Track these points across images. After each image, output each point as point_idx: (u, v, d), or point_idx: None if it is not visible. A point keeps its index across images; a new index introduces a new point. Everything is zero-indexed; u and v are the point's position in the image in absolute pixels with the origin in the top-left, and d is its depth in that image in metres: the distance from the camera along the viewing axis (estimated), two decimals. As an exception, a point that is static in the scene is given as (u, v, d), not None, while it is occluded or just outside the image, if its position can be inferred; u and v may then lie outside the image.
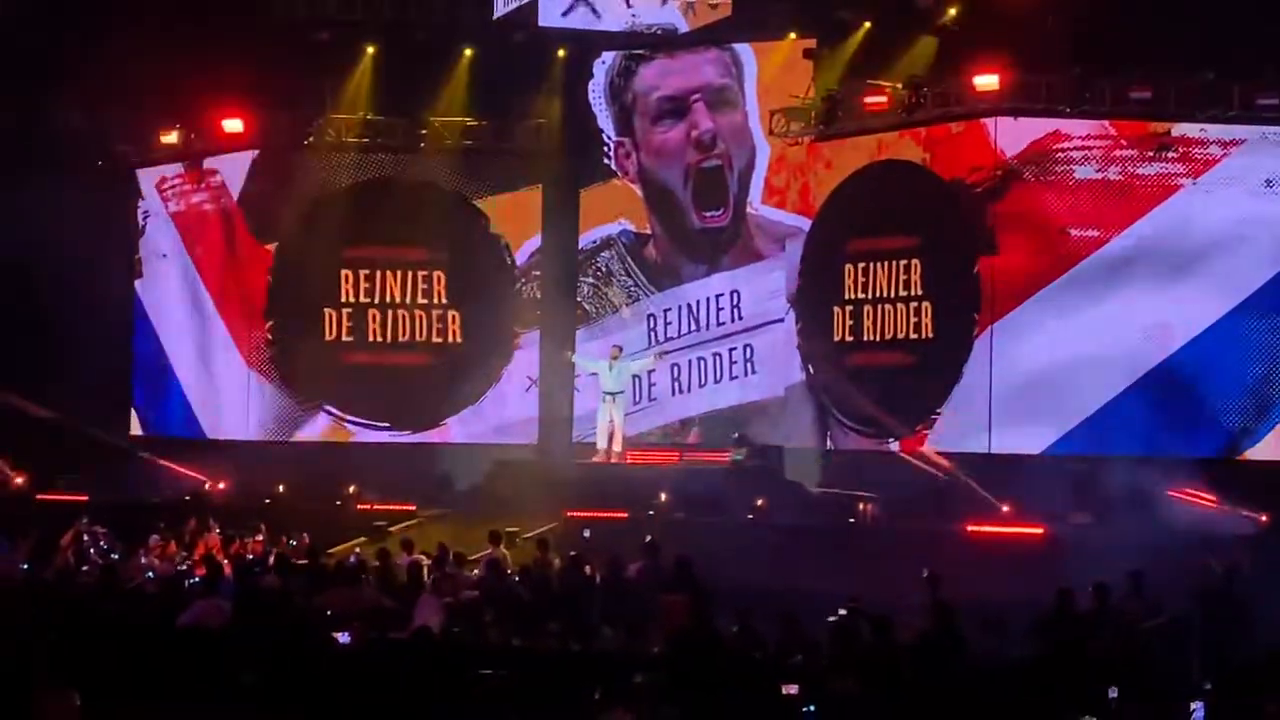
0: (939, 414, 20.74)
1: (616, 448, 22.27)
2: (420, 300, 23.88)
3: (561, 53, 24.06)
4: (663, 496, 20.63)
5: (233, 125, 23.73)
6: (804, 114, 22.42)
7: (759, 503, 20.32)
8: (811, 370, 22.30)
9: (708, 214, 23.65)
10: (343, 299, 23.83)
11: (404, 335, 23.91)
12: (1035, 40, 20.21)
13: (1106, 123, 20.13)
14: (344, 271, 23.77)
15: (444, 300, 23.88)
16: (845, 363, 21.74)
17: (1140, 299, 19.85)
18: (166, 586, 15.80)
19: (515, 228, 24.12)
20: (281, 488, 22.49)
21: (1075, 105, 20.23)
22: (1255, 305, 19.75)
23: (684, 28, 23.50)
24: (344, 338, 23.90)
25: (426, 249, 23.88)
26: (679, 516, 20.20)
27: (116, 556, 17.83)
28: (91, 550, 18.23)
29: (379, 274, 23.83)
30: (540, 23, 23.35)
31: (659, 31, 23.57)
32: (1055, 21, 20.28)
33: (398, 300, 23.87)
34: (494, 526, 17.86)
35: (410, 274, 23.85)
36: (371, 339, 23.91)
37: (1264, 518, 18.42)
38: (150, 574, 17.00)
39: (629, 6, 23.41)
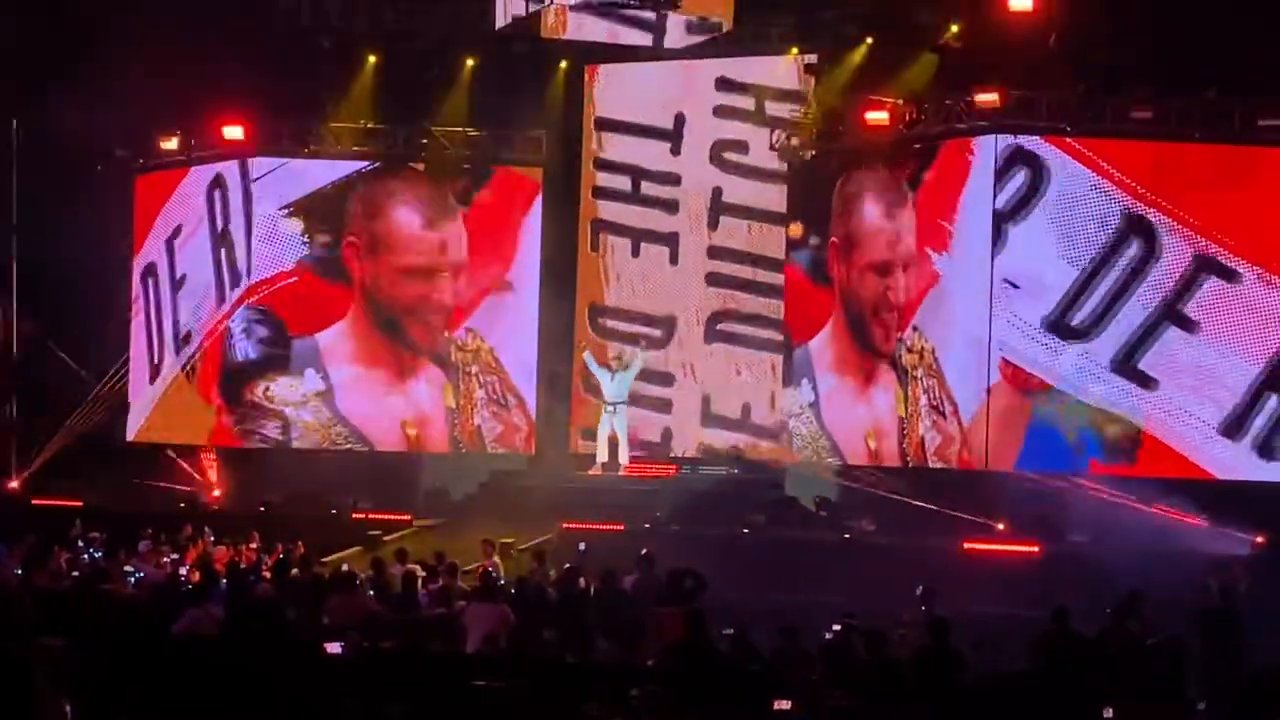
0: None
1: (621, 459, 22.21)
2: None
3: (563, 64, 24.05)
4: (659, 510, 20.62)
5: (233, 131, 23.73)
6: (805, 129, 22.43)
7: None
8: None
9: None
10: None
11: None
12: (1037, 58, 20.22)
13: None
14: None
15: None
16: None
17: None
18: (159, 593, 15.77)
19: (513, 236, 24.09)
20: (276, 496, 22.45)
21: (1077, 124, 20.26)
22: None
23: (685, 41, 23.49)
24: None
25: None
26: (675, 529, 20.17)
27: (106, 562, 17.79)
28: (84, 556, 18.19)
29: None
30: (542, 34, 23.36)
31: (660, 45, 23.55)
32: (1058, 39, 20.28)
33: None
34: (484, 538, 17.84)
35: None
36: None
37: (1260, 538, 18.46)
38: (134, 579, 16.95)
39: (630, 20, 23.40)
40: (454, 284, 23.74)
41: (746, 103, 23.32)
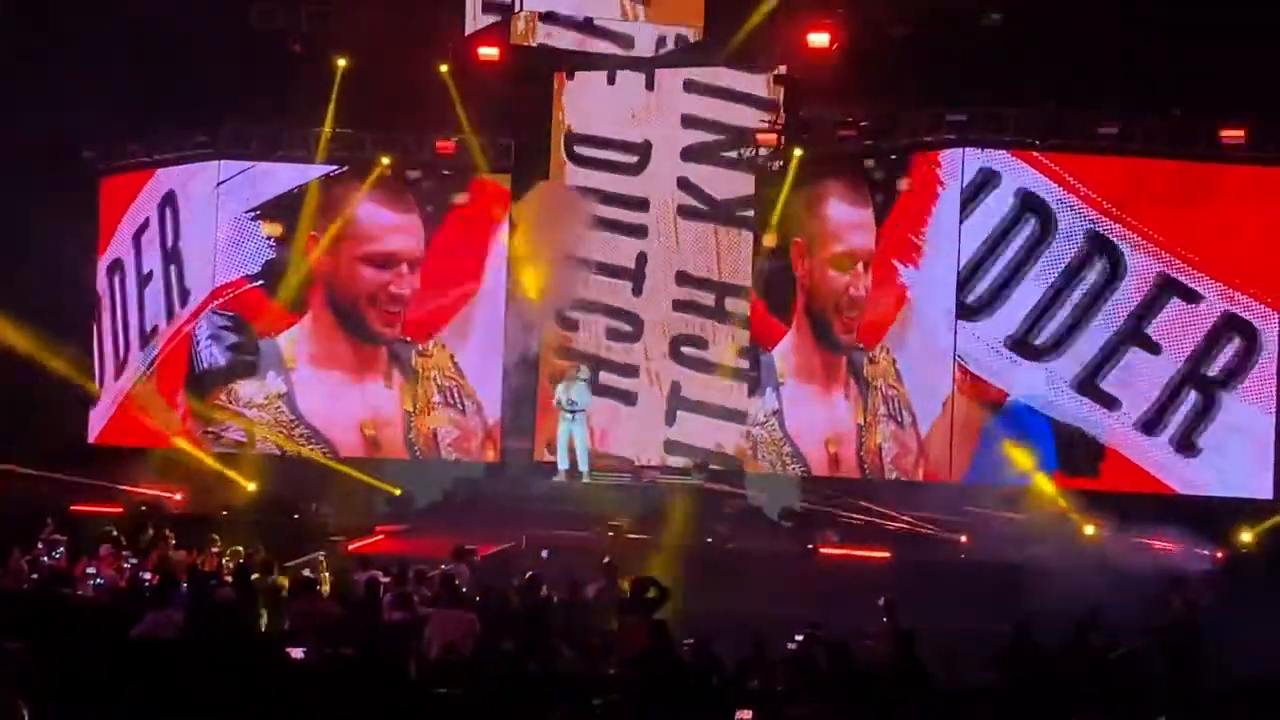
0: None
1: (582, 467, 22.18)
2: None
3: (533, 70, 24.01)
4: (622, 519, 20.60)
5: (200, 134, 23.65)
6: (775, 138, 22.50)
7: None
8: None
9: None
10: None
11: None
12: (1006, 73, 20.33)
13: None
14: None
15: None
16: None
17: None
18: (119, 597, 15.64)
19: (484, 244, 24.03)
20: (238, 500, 22.34)
21: (1044, 139, 20.38)
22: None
23: (654, 50, 23.50)
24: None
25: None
26: (639, 537, 20.15)
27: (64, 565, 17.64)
28: (45, 558, 18.03)
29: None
30: (511, 41, 23.33)
31: (630, 54, 23.55)
32: (1026, 55, 20.39)
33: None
34: (454, 544, 17.77)
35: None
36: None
37: (1220, 554, 18.60)
38: (94, 583, 16.82)
39: (601, 27, 23.39)
40: (410, 276, 23.62)
41: (715, 111, 23.39)
